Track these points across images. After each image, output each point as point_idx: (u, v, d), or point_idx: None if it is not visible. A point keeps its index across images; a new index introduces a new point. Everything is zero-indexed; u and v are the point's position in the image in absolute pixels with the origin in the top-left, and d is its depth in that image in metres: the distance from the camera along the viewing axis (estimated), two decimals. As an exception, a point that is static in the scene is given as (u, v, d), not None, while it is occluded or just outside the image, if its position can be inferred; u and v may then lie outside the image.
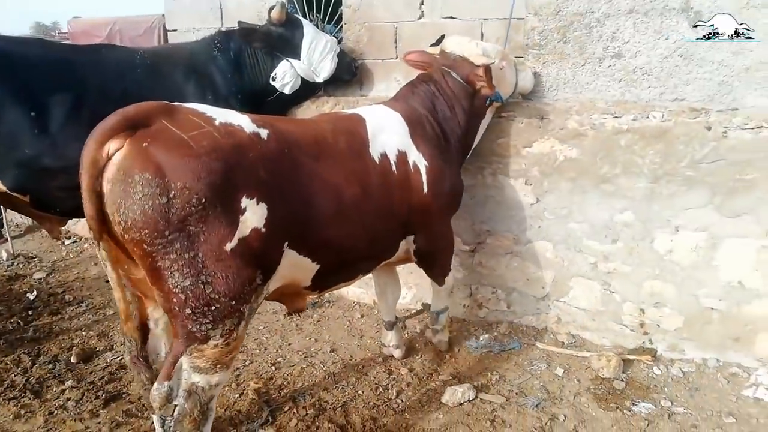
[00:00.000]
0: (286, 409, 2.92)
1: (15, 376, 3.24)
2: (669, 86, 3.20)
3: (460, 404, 2.93)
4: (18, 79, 3.02)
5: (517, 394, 3.04)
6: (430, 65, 3.26)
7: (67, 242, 5.62)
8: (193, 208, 1.82)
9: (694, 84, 3.16)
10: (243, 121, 2.14)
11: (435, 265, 3.18)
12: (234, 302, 1.96)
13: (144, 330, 2.24)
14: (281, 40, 3.78)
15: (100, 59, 3.40)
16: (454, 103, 3.07)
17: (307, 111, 4.03)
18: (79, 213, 3.51)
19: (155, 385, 2.00)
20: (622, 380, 3.13)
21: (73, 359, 3.40)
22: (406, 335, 3.69)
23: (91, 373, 3.30)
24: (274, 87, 3.84)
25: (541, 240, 3.53)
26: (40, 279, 4.74)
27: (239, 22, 4.08)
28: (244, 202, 1.97)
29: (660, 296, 3.29)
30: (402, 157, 2.73)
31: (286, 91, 3.87)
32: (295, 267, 2.27)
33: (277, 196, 2.08)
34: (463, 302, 3.86)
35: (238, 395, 3.03)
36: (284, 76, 3.82)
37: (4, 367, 3.33)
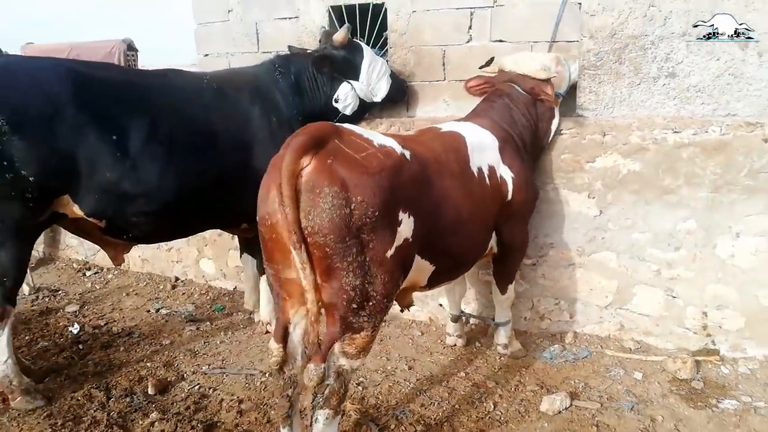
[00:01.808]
0: (392, 427, 2.93)
1: (94, 411, 3.11)
2: (722, 103, 3.45)
3: (559, 412, 3.02)
4: (99, 103, 2.98)
5: (608, 399, 3.15)
6: (492, 84, 3.50)
7: (88, 273, 5.43)
8: (367, 219, 2.07)
9: (744, 100, 3.42)
10: (393, 143, 2.33)
11: (506, 267, 3.42)
12: (386, 300, 2.26)
13: (285, 333, 2.38)
14: (344, 62, 3.85)
15: (170, 83, 3.39)
16: (526, 112, 3.32)
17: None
18: (150, 238, 3.50)
19: (311, 365, 2.19)
20: (699, 380, 3.29)
21: (150, 391, 3.30)
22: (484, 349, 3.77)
23: (173, 404, 3.21)
24: (334, 108, 3.90)
25: (604, 251, 3.69)
26: (75, 312, 4.56)
27: (289, 47, 4.16)
28: (401, 215, 2.22)
29: (722, 299, 3.49)
30: (492, 170, 3.01)
31: (347, 112, 3.94)
32: (418, 270, 2.54)
33: (419, 211, 2.32)
34: (524, 315, 3.97)
35: (340, 416, 3.01)
36: (346, 98, 3.89)
37: (77, 404, 3.20)
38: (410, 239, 2.28)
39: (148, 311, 4.57)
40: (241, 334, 4.13)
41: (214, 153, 3.35)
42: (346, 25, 3.82)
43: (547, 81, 3.31)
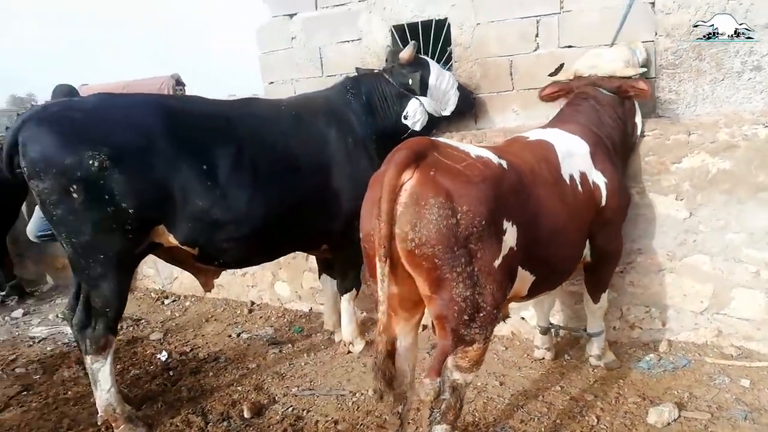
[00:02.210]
0: (496, 444, 2.87)
1: (195, 437, 3.18)
2: (815, 93, 3.30)
3: (668, 424, 2.90)
4: (188, 134, 3.08)
5: (717, 408, 3.01)
6: (567, 91, 3.44)
7: (167, 302, 5.59)
8: (474, 229, 2.07)
9: (841, 88, 3.26)
10: (489, 153, 2.31)
11: (600, 275, 3.32)
12: (495, 311, 2.23)
13: (392, 348, 2.36)
14: (412, 79, 3.88)
15: (251, 112, 3.49)
16: (613, 113, 3.25)
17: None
18: (240, 263, 3.58)
19: (427, 380, 2.22)
20: (815, 386, 3.11)
21: (246, 414, 3.34)
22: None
23: (269, 426, 3.24)
24: (404, 125, 3.93)
25: (696, 254, 3.55)
26: (160, 339, 4.69)
27: (357, 69, 4.21)
28: (505, 224, 2.20)
29: (831, 299, 3.30)
30: (584, 177, 2.92)
31: (417, 127, 3.95)
32: (520, 280, 2.49)
33: (521, 220, 2.30)
34: (613, 324, 3.84)
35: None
36: (415, 114, 3.91)
37: (177, 429, 3.26)
38: (515, 248, 2.26)
39: (230, 336, 4.66)
40: (324, 355, 4.15)
41: (296, 177, 3.42)
42: (412, 42, 3.85)
43: (645, 80, 3.21)
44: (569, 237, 2.71)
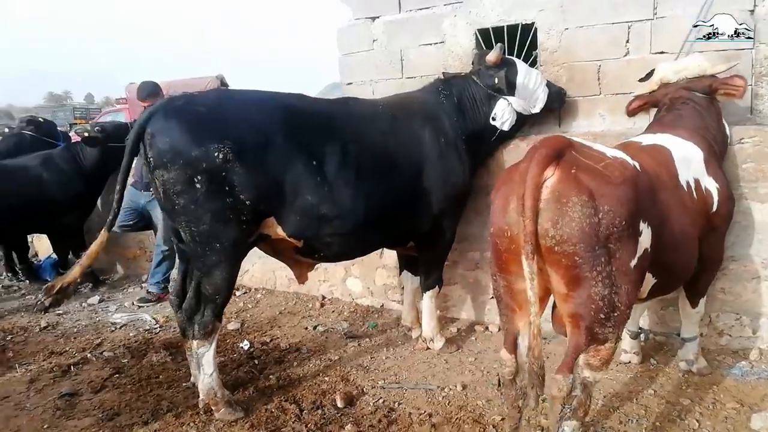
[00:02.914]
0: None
1: (293, 423, 3.26)
2: None
3: (773, 431, 2.88)
4: (300, 131, 3.19)
5: (823, 417, 2.97)
6: (654, 101, 3.44)
7: (238, 293, 5.73)
8: (615, 228, 2.10)
9: None
10: (623, 155, 2.35)
11: (701, 281, 3.28)
12: (628, 311, 2.27)
13: (514, 344, 2.43)
14: (499, 80, 3.93)
15: (352, 111, 3.59)
16: (714, 115, 3.25)
17: (517, 149, 4.14)
18: (338, 257, 3.68)
19: (559, 376, 2.23)
20: None
21: (339, 403, 3.42)
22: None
23: (363, 416, 3.31)
24: (492, 126, 3.98)
25: (793, 262, 3.52)
26: (238, 329, 4.83)
27: (444, 73, 4.27)
28: (641, 226, 2.22)
29: None
30: (698, 183, 2.93)
31: (505, 127, 4.00)
32: (645, 282, 2.48)
33: (654, 222, 2.32)
34: (701, 330, 3.81)
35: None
36: (503, 114, 3.96)
37: (273, 416, 3.34)
38: (648, 250, 2.29)
39: (306, 328, 4.76)
40: (403, 350, 4.22)
41: (394, 175, 3.51)
42: (498, 45, 3.90)
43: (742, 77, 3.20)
44: (688, 242, 2.72)
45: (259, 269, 5.76)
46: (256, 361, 4.15)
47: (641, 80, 3.94)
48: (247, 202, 2.99)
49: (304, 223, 3.21)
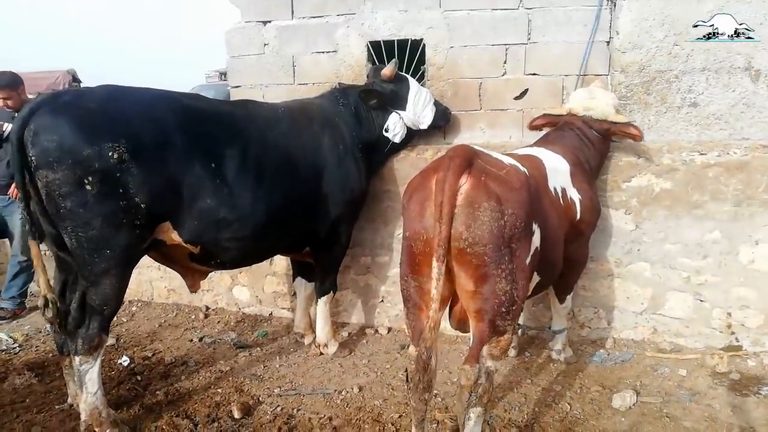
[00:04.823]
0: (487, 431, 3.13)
1: (188, 438, 3.13)
2: (737, 128, 3.98)
3: (630, 408, 3.32)
4: (199, 132, 3.09)
5: (665, 393, 3.49)
6: (555, 122, 3.78)
7: (110, 306, 5.29)
8: (516, 230, 2.31)
9: (756, 126, 3.96)
10: (515, 162, 2.57)
11: (567, 279, 3.66)
12: (522, 305, 2.53)
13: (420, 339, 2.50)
14: (392, 94, 4.10)
15: (252, 114, 3.53)
16: (592, 145, 3.62)
17: (407, 159, 4.35)
18: (235, 263, 3.58)
19: (467, 366, 2.43)
20: (735, 373, 3.70)
21: (236, 415, 3.33)
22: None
23: (262, 425, 3.26)
24: (385, 137, 4.14)
25: (640, 261, 4.09)
26: (114, 344, 4.47)
27: (339, 83, 4.36)
28: (534, 226, 2.48)
29: (744, 300, 3.94)
30: (564, 192, 3.27)
31: (396, 140, 4.18)
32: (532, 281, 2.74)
33: (541, 223, 2.60)
34: (568, 324, 4.27)
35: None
36: (395, 127, 4.13)
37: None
38: (538, 248, 2.55)
39: (191, 340, 4.55)
40: (297, 357, 4.21)
41: (294, 179, 3.51)
42: (394, 60, 4.09)
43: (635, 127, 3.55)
44: (559, 243, 3.04)
45: (134, 280, 5.23)
46: (139, 377, 3.89)
47: (516, 98, 4.36)
48: (142, 205, 2.82)
49: (201, 227, 3.10)
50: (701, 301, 4.03)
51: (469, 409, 2.45)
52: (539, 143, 3.59)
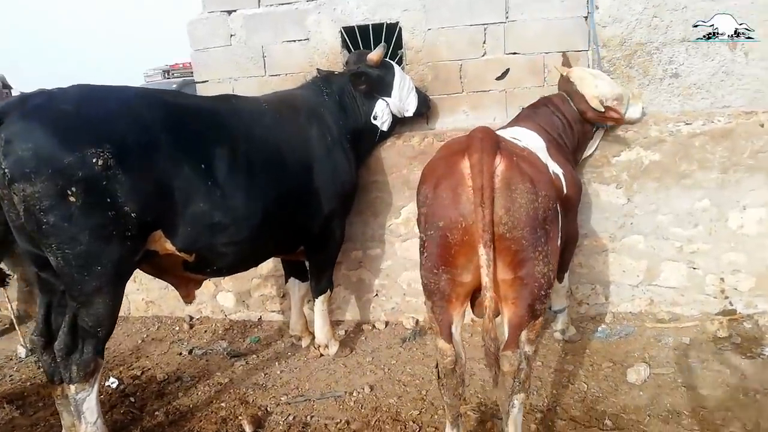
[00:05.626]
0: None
1: (199, 460, 2.93)
2: (718, 97, 4.04)
3: (645, 380, 3.34)
4: (186, 131, 2.88)
5: (676, 363, 3.53)
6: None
7: (83, 325, 4.95)
8: (549, 212, 2.25)
9: (736, 93, 4.03)
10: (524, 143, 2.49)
11: (564, 257, 3.56)
12: (552, 288, 2.42)
13: (450, 334, 2.43)
14: (377, 80, 3.95)
15: (236, 108, 3.33)
16: (568, 122, 3.58)
17: (393, 147, 4.22)
18: (231, 269, 3.37)
19: (508, 353, 2.34)
20: (736, 336, 3.78)
21: (247, 429, 3.15)
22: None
23: (276, 438, 3.11)
24: (372, 125, 3.99)
25: (633, 234, 4.11)
26: (95, 366, 4.16)
27: (318, 70, 4.19)
28: (558, 207, 2.41)
29: (735, 264, 4.03)
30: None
31: (384, 128, 4.05)
32: None
33: (560, 204, 2.52)
34: (567, 302, 4.27)
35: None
36: (383, 114, 4.00)
37: (172, 456, 2.99)
38: (562, 228, 2.49)
39: (180, 354, 4.30)
40: (296, 361, 4.04)
41: (286, 175, 3.34)
42: (382, 44, 3.94)
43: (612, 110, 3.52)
44: (564, 220, 2.96)
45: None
46: (132, 399, 3.64)
47: (498, 78, 4.29)
48: (133, 215, 2.59)
49: (195, 233, 2.89)
50: (694, 269, 4.09)
51: (513, 396, 2.38)
52: (512, 122, 3.51)
